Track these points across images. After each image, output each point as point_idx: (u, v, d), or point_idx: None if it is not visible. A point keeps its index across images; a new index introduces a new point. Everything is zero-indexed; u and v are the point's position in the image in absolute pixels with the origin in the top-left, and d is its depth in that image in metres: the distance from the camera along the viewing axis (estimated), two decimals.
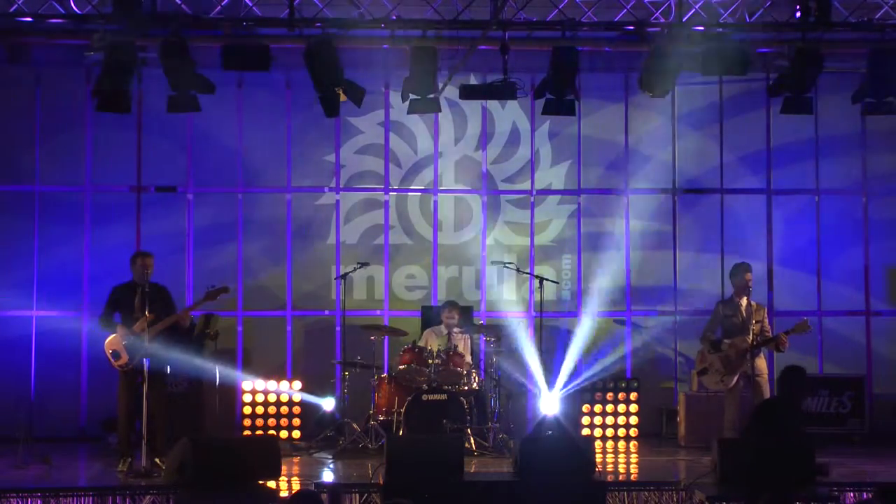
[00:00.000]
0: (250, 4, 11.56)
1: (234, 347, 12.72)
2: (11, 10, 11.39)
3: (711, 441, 9.20)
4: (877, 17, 11.66)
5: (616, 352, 12.94)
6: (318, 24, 11.26)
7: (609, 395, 12.66)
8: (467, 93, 11.72)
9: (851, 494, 9.30)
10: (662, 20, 11.70)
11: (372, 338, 11.63)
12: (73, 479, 10.07)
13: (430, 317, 12.27)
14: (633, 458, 11.68)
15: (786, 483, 8.18)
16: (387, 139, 13.13)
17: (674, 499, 9.32)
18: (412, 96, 11.27)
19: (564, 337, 12.81)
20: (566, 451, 8.94)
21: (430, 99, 11.34)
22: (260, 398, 12.41)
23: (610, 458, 11.53)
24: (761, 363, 10.84)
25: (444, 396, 11.02)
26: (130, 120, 12.22)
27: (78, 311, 12.58)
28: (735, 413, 10.79)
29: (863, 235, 13.27)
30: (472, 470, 10.14)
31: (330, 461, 10.89)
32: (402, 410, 10.96)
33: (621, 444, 12.44)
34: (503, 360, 11.77)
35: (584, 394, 12.58)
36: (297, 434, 12.31)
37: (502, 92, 11.45)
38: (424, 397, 11.00)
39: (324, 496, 8.98)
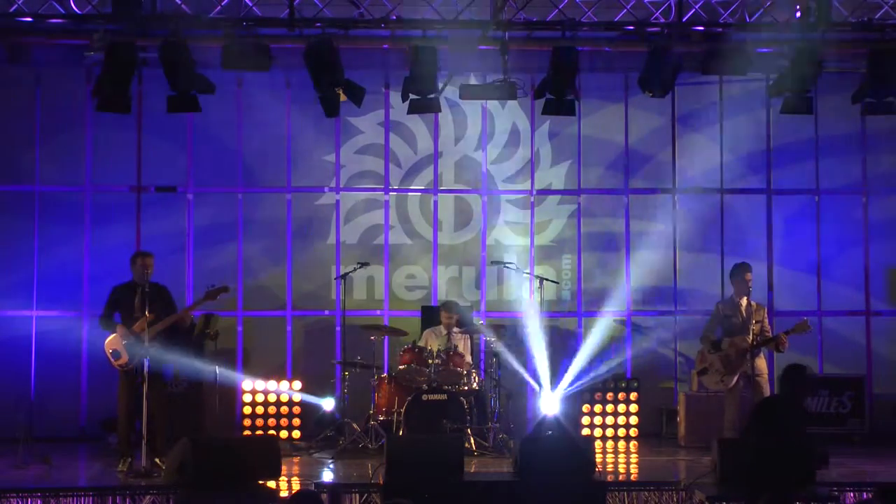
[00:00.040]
0: (250, 4, 11.56)
1: (234, 347, 12.72)
2: (11, 10, 11.38)
3: (711, 441, 9.20)
4: (877, 17, 11.66)
5: (616, 352, 12.93)
6: (318, 24, 11.26)
7: (609, 395, 12.66)
8: (467, 93, 11.72)
9: (851, 494, 9.30)
10: (662, 20, 11.70)
11: (372, 338, 11.63)
12: (73, 479, 10.07)
13: (430, 317, 12.26)
14: (633, 458, 11.68)
15: (786, 483, 8.17)
16: (387, 139, 13.13)
17: (674, 499, 9.32)
18: (412, 96, 11.27)
19: (564, 337, 12.81)
20: (566, 451, 8.94)
21: (430, 99, 11.34)
22: (260, 398, 12.41)
23: (610, 458, 11.53)
24: (761, 363, 10.85)
25: (444, 396, 11.02)
26: (130, 120, 12.21)
27: (78, 311, 12.58)
28: (735, 413, 10.79)
29: (863, 235, 13.27)
30: (472, 470, 10.14)
31: (330, 461, 10.89)
32: (402, 410, 10.96)
33: (621, 444, 12.44)
34: (503, 359, 11.76)
35: (584, 394, 12.58)
36: (297, 434, 12.31)
37: (502, 92, 11.45)
38: (424, 397, 11.00)
39: (324, 496, 8.98)
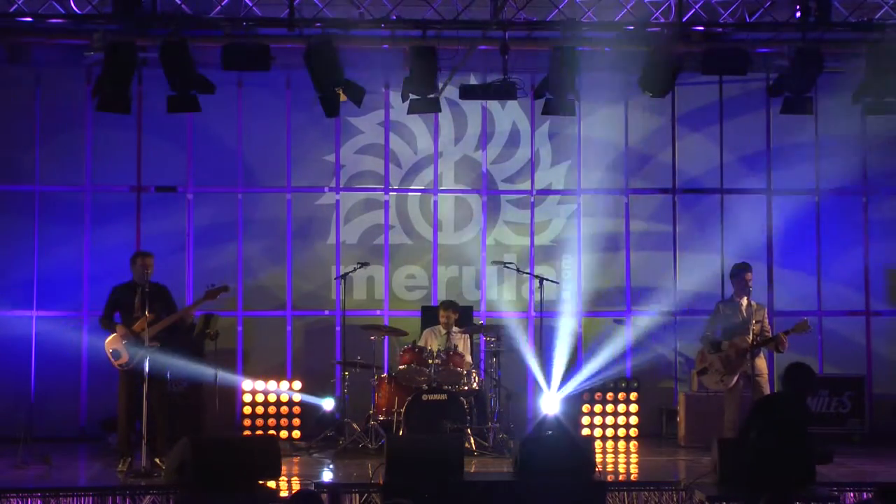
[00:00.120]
0: (250, 4, 11.56)
1: (234, 347, 12.72)
2: (11, 10, 11.38)
3: (711, 441, 9.21)
4: (877, 17, 11.66)
5: (616, 352, 12.93)
6: (318, 24, 11.26)
7: (609, 395, 12.66)
8: (467, 93, 11.72)
9: (851, 494, 9.31)
10: (662, 20, 11.70)
11: (372, 338, 11.63)
12: (73, 479, 10.07)
13: (430, 317, 12.26)
14: (633, 458, 11.68)
15: (786, 483, 8.17)
16: (387, 139, 13.13)
17: (674, 499, 9.32)
18: (412, 96, 11.28)
19: (564, 337, 12.80)
20: (566, 451, 8.95)
21: (430, 99, 11.34)
22: (260, 398, 12.42)
23: (610, 458, 11.53)
24: (761, 363, 10.84)
25: (444, 396, 11.02)
26: (130, 120, 12.21)
27: (78, 311, 12.59)
28: (735, 413, 10.79)
29: (863, 235, 13.27)
30: (472, 470, 10.14)
31: (330, 461, 10.89)
32: (402, 410, 10.96)
33: (621, 444, 12.44)
34: (503, 359, 11.76)
35: (584, 394, 12.58)
36: (297, 434, 12.31)
37: (502, 92, 11.45)
38: (424, 397, 11.00)
39: (324, 496, 8.98)
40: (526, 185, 13.23)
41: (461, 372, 11.37)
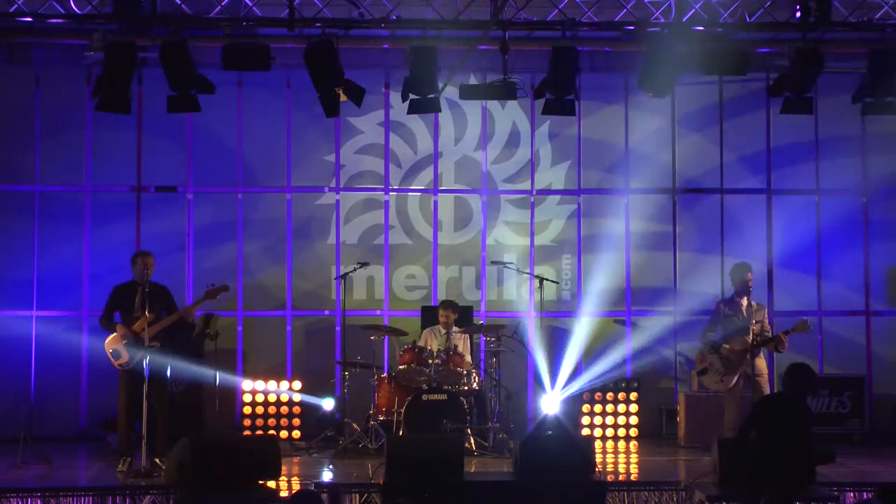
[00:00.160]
0: (250, 4, 11.56)
1: (234, 347, 12.72)
2: (11, 9, 11.38)
3: (711, 441, 9.21)
4: (877, 17, 11.66)
5: (616, 352, 12.93)
6: (318, 24, 11.25)
7: (609, 395, 12.66)
8: (467, 93, 11.72)
9: (851, 494, 9.31)
10: (662, 20, 11.69)
11: (372, 338, 11.62)
12: (73, 479, 10.07)
13: (430, 317, 12.25)
14: (633, 458, 11.68)
15: (786, 482, 8.16)
16: (387, 139, 13.13)
17: (674, 499, 9.33)
18: (412, 96, 11.27)
19: (564, 337, 12.80)
20: (566, 451, 8.95)
21: (430, 99, 11.33)
22: (260, 398, 12.42)
23: (610, 458, 11.53)
24: (761, 363, 10.84)
25: (444, 396, 11.02)
26: (130, 120, 12.19)
27: (78, 311, 12.58)
28: (735, 413, 10.78)
29: (863, 235, 13.27)
30: (472, 470, 10.14)
31: (330, 461, 10.89)
32: (402, 410, 10.96)
33: (621, 444, 12.44)
34: (503, 359, 11.76)
35: (584, 394, 12.58)
36: (297, 434, 12.31)
37: (502, 92, 11.44)
38: (424, 397, 11.00)
39: (324, 496, 8.98)
40: (526, 185, 13.23)
41: (461, 372, 11.37)
